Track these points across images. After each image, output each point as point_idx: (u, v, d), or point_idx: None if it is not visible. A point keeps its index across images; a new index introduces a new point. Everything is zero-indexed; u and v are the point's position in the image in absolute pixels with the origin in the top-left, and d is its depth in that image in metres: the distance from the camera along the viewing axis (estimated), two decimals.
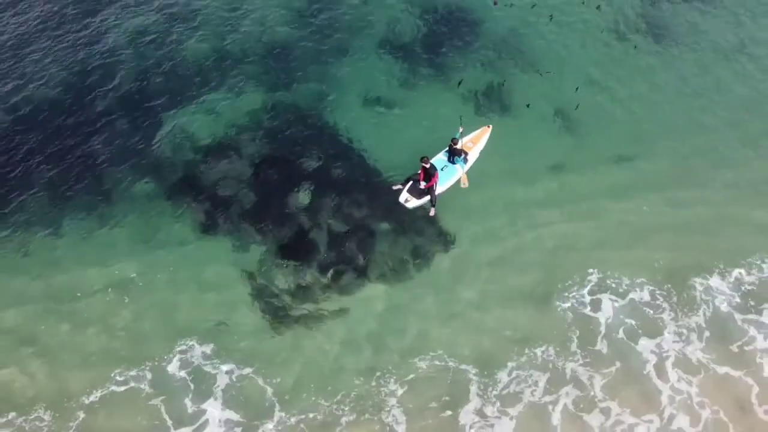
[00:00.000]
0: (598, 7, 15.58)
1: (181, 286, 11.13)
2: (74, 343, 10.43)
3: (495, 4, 15.92)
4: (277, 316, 10.89)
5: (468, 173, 12.31)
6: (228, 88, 14.82)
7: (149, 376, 9.64)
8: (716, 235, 11.39)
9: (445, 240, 11.82)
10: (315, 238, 12.09)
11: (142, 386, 9.55)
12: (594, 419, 9.00)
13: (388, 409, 9.33)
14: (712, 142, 13.08)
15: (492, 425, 8.97)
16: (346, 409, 9.34)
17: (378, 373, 9.80)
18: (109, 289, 10.91)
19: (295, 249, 12.00)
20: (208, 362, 9.88)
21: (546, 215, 11.87)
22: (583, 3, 15.72)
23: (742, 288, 10.59)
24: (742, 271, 10.79)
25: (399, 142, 13.49)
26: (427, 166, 11.47)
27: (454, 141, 12.07)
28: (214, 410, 9.29)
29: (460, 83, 14.19)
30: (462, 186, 12.25)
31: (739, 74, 14.35)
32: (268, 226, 12.27)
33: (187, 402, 9.37)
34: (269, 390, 9.58)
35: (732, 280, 10.63)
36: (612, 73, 14.35)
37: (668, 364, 9.58)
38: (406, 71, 14.95)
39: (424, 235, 11.95)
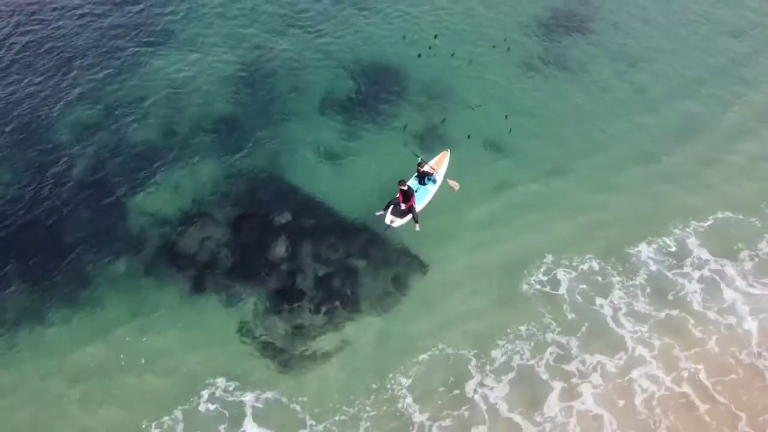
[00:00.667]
0: (508, 49, 21.62)
1: (188, 341, 14.13)
2: (99, 414, 13.07)
3: (429, 48, 21.48)
4: (286, 352, 14.09)
5: (436, 194, 16.69)
6: (185, 163, 18.58)
7: (181, 416, 12.46)
8: (636, 215, 16.41)
9: (420, 264, 15.70)
10: (301, 283, 15.57)
11: (178, 427, 12.32)
12: (573, 367, 12.97)
13: (403, 399, 12.74)
14: (618, 147, 18.54)
15: (492, 388, 12.74)
16: (368, 408, 12.59)
17: (389, 375, 13.23)
18: (122, 355, 13.71)
19: (285, 296, 15.33)
20: (233, 395, 12.82)
21: (498, 224, 16.36)
22: (495, 47, 21.74)
23: (665, 250, 15.46)
24: (664, 238, 15.76)
25: (357, 186, 17.68)
26: (405, 188, 15.62)
27: (421, 165, 16.48)
28: (252, 430, 12.22)
29: (405, 126, 18.98)
30: (454, 190, 16.42)
31: (618, 96, 20.29)
32: (254, 280, 15.60)
33: (224, 430, 12.26)
34: (297, 407, 12.65)
35: (657, 246, 15.49)
36: (530, 99, 19.86)
37: (622, 315, 13.98)
38: (351, 123, 19.55)
39: (399, 263, 15.82)
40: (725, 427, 12.38)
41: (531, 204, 16.88)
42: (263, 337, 14.46)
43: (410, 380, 13.20)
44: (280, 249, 16.32)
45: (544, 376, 12.92)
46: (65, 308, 15.12)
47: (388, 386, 13.17)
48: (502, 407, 12.56)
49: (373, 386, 13.16)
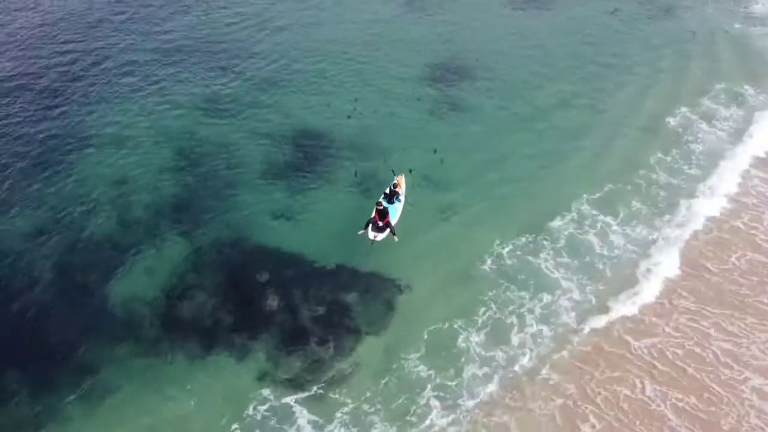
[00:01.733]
0: (418, 99, 26.17)
1: (207, 402, 15.60)
2: None
3: (354, 109, 25.31)
4: (308, 386, 15.90)
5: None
6: (150, 246, 19.83)
7: None
8: (543, 200, 21.05)
9: (397, 284, 18.45)
10: (301, 324, 17.50)
11: None
12: (524, 309, 17.44)
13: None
14: (517, 157, 23.05)
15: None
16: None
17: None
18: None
19: (290, 339, 17.10)
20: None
21: (452, 233, 20.01)
22: (407, 101, 25.86)
23: (577, 220, 20.31)
24: (569, 212, 20.64)
25: (319, 232, 20.10)
26: (381, 208, 18.58)
27: (395, 186, 19.94)
28: None
29: (355, 173, 22.07)
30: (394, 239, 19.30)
31: (504, 120, 25.30)
32: (257, 332, 17.19)
33: None
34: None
35: (569, 219, 20.29)
36: (444, 135, 24.06)
37: (552, 267, 18.43)
38: (296, 183, 21.92)
39: (379, 287, 18.35)
40: None
41: (473, 210, 20.87)
42: (284, 378, 16.14)
43: (418, 357, 16.31)
44: (272, 301, 18.15)
45: (509, 320, 17.25)
46: (79, 406, 15.60)
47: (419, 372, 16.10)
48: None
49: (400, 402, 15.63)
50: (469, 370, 16.05)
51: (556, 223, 20.25)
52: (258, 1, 34.60)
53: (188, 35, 31.23)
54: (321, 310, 18.07)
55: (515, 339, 16.86)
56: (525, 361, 16.37)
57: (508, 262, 19.01)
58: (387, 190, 20.35)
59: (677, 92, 26.59)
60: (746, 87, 26.67)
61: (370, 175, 22.42)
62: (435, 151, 22.95)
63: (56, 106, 26.06)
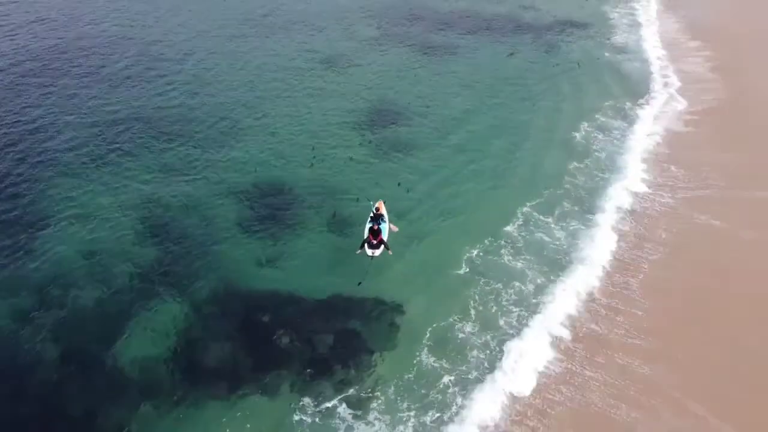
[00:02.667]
0: (369, 141, 29.21)
1: None
2: None
3: (314, 157, 27.99)
4: (343, 410, 17.41)
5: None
6: (146, 311, 20.42)
7: None
8: (496, 209, 24.79)
9: (395, 306, 20.61)
10: (319, 355, 19.04)
11: None
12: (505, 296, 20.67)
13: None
14: (465, 180, 26.80)
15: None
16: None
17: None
18: None
19: (314, 369, 18.53)
20: None
21: (426, 249, 22.93)
22: (351, 159, 28.47)
23: (524, 222, 24.17)
24: (517, 217, 24.50)
25: (308, 271, 21.96)
26: (375, 228, 21.18)
27: (377, 209, 22.41)
28: None
29: (334, 214, 24.44)
30: (393, 231, 22.35)
31: (437, 150, 29.32)
32: (279, 369, 18.50)
33: None
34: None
35: (518, 223, 24.11)
36: (401, 168, 27.34)
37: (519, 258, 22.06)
38: (272, 232, 23.72)
39: (380, 311, 20.44)
40: None
41: (441, 226, 24.11)
42: (318, 406, 17.54)
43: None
44: (282, 337, 19.63)
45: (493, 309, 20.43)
46: None
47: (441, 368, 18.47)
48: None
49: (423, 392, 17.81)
50: (473, 355, 18.83)
51: (509, 227, 23.92)
52: (189, 67, 36.67)
53: (128, 105, 32.38)
54: (331, 337, 19.81)
55: (502, 322, 19.99)
56: (513, 340, 19.36)
57: (479, 263, 22.24)
58: (371, 215, 22.86)
59: (577, 112, 32.11)
60: (627, 103, 32.82)
61: (345, 213, 24.88)
62: (399, 184, 26.01)
63: (5, 188, 26.06)
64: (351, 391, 17.99)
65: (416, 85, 35.48)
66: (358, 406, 17.54)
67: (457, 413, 17.29)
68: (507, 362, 18.41)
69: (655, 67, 36.99)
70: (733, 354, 18.81)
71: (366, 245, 21.60)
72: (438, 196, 25.84)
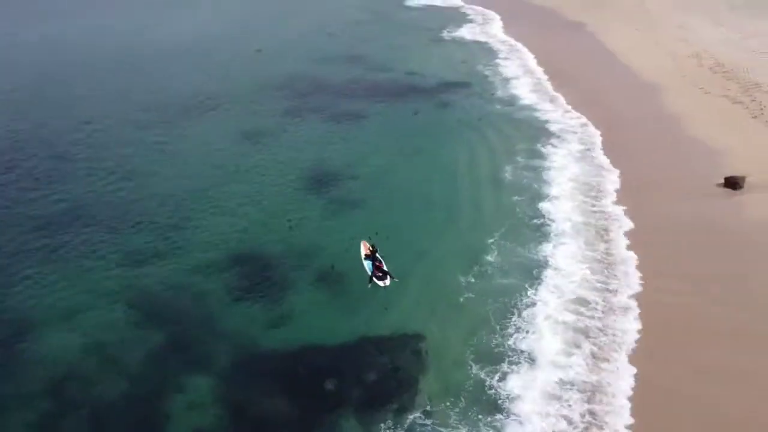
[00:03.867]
0: (291, 227, 30.50)
1: None
2: None
3: (289, 221, 29.32)
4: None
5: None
6: (171, 392, 20.71)
7: None
8: (470, 242, 28.54)
9: (416, 335, 22.81)
10: (367, 393, 20.59)
11: None
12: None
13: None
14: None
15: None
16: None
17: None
18: None
19: (364, 407, 19.98)
20: None
21: (427, 282, 25.51)
22: (290, 227, 30.37)
23: (497, 244, 28.32)
24: (492, 244, 28.63)
25: (317, 327, 23.41)
26: (379, 264, 24.17)
27: (371, 249, 25.10)
28: None
29: (333, 266, 26.37)
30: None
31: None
32: (333, 414, 19.74)
33: None
34: None
35: (494, 247, 28.23)
36: (374, 220, 29.44)
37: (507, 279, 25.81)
38: (275, 297, 25.13)
39: (403, 342, 22.60)
40: None
41: (434, 259, 27.34)
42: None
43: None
44: (329, 386, 21.01)
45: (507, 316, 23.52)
46: None
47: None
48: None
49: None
50: (501, 356, 22.04)
51: (487, 255, 27.66)
52: (114, 157, 36.84)
53: (77, 201, 32.36)
54: (371, 374, 21.62)
55: (512, 328, 23.27)
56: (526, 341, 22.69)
57: (478, 283, 25.73)
58: (365, 254, 25.75)
59: (497, 156, 37.70)
60: (538, 144, 39.25)
61: (336, 263, 27.09)
62: (377, 233, 28.40)
63: None
64: (416, 413, 19.99)
65: (344, 148, 39.07)
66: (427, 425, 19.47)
67: (509, 408, 20.00)
68: (540, 357, 21.73)
69: (541, 112, 44.50)
70: None
71: (375, 279, 24.41)
72: (411, 238, 28.99)
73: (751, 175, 32.18)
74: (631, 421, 19.33)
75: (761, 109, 39.90)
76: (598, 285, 25.58)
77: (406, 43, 63.97)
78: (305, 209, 31.91)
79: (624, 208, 31.35)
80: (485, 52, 60.05)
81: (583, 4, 73.26)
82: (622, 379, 20.70)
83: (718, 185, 32.35)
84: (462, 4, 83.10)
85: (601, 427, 19.14)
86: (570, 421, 19.35)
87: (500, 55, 58.16)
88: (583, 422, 19.33)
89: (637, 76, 49.72)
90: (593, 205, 31.91)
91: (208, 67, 56.73)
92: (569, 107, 45.07)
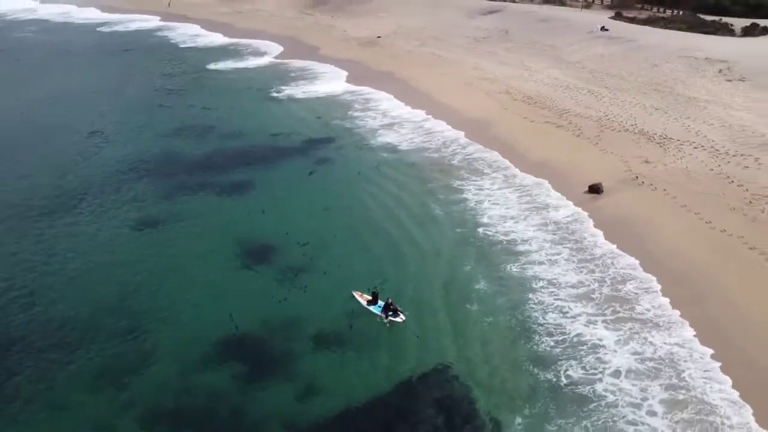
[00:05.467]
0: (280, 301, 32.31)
1: None
2: None
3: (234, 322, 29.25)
4: None
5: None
6: None
7: None
8: (436, 276, 32.57)
9: (443, 364, 25.72)
10: None
11: None
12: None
13: None
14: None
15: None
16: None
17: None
18: None
19: None
20: None
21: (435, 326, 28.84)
22: (280, 302, 31.70)
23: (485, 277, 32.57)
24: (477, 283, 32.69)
25: (346, 394, 24.71)
26: (388, 303, 27.27)
27: (371, 296, 27.85)
28: None
29: (351, 326, 27.98)
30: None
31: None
32: None
33: None
34: None
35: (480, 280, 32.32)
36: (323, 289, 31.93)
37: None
38: (293, 377, 25.91)
39: (437, 374, 25.18)
40: None
41: (419, 299, 29.91)
42: None
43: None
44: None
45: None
46: None
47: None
48: None
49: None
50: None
51: (473, 284, 31.70)
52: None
53: None
54: (426, 411, 23.95)
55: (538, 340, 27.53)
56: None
57: (482, 307, 29.60)
58: (367, 300, 29.21)
59: (417, 197, 42.14)
60: (446, 178, 44.67)
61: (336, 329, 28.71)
62: (376, 287, 30.64)
63: None
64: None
65: (258, 219, 39.65)
66: None
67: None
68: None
69: (425, 148, 50.46)
70: None
71: (389, 317, 27.92)
72: (395, 285, 31.74)
73: (604, 181, 41.80)
74: None
75: (580, 130, 51.23)
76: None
77: (245, 106, 65.24)
78: (261, 283, 32.39)
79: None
80: (328, 103, 64.28)
81: (382, 57, 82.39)
82: None
83: (585, 192, 41.27)
84: (268, 61, 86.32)
85: None
86: None
87: (350, 105, 63.01)
88: None
89: (462, 113, 58.64)
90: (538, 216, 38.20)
91: (47, 156, 50.67)
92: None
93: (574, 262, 33.04)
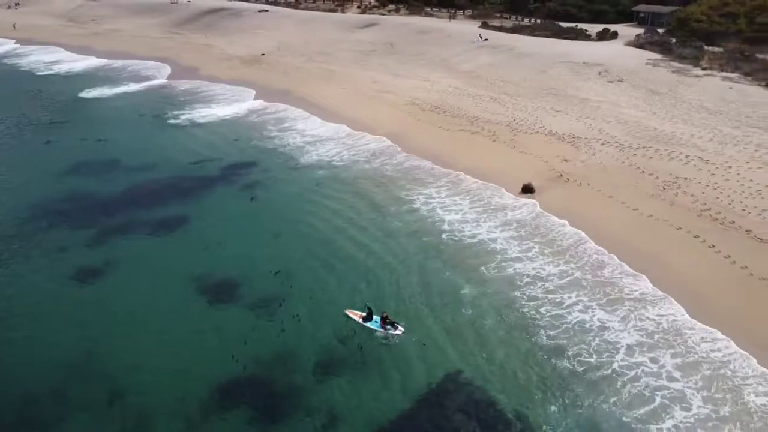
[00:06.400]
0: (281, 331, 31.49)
1: None
2: None
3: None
4: None
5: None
6: None
7: None
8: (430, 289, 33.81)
9: (449, 378, 26.84)
10: None
11: None
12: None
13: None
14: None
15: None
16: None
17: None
18: None
19: None
20: None
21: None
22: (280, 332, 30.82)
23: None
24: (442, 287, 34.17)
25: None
26: (384, 317, 28.12)
27: (368, 310, 28.96)
28: None
29: (360, 347, 28.01)
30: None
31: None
32: None
33: None
34: None
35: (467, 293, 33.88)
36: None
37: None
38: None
39: (453, 393, 26.36)
40: None
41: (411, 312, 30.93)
42: None
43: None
44: None
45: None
46: None
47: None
48: None
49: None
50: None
51: (462, 289, 33.10)
52: None
53: None
54: (465, 422, 25.01)
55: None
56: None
57: (477, 310, 30.98)
58: (362, 317, 29.99)
59: (370, 211, 42.77)
60: (393, 189, 45.64)
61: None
62: (366, 305, 31.05)
63: None
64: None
65: (212, 253, 38.09)
66: None
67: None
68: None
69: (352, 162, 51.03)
70: None
71: (390, 330, 29.09)
72: (384, 305, 32.06)
73: (533, 181, 45.77)
74: None
75: (494, 135, 55.31)
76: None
77: (145, 135, 61.60)
78: (240, 320, 31.31)
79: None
80: (237, 125, 62.64)
81: (274, 74, 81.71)
82: None
83: (520, 193, 44.92)
84: (150, 85, 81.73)
85: None
86: None
87: (263, 126, 61.90)
88: None
89: (377, 126, 60.50)
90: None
91: None
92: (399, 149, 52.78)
93: (548, 254, 35.85)
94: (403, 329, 29.66)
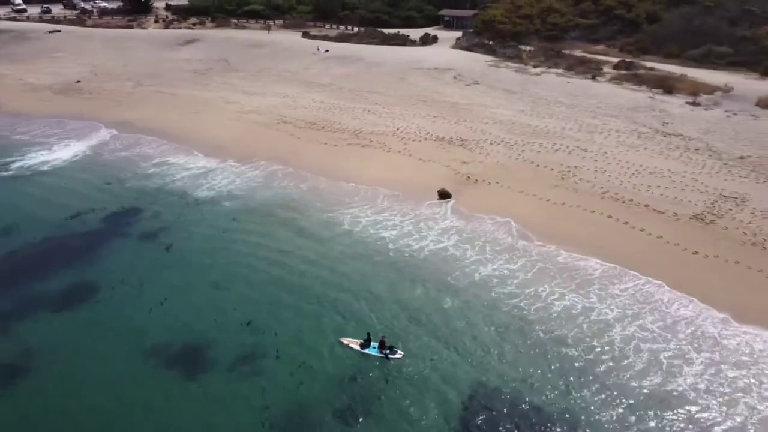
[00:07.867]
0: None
1: None
2: None
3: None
4: None
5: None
6: None
7: None
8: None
9: (464, 396, 28.02)
10: None
11: None
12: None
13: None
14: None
15: None
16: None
17: None
18: None
19: None
20: None
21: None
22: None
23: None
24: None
25: None
26: (383, 341, 28.79)
27: (367, 338, 29.28)
28: None
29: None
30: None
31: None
32: None
33: None
34: None
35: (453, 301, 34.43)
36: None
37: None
38: None
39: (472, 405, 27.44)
40: None
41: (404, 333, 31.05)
42: None
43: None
44: None
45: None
46: None
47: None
48: None
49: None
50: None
51: (443, 302, 33.58)
52: None
53: None
54: None
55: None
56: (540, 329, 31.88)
57: (467, 321, 32.11)
58: (359, 344, 30.13)
59: (301, 236, 40.97)
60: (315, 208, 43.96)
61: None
62: (368, 334, 30.43)
63: None
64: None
65: (157, 314, 33.99)
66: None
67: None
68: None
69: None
70: None
71: (389, 355, 29.48)
72: (378, 330, 31.85)
73: (445, 186, 48.38)
74: None
75: (385, 145, 56.81)
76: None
77: None
78: (221, 387, 28.70)
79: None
80: (97, 167, 55.24)
81: (105, 103, 73.78)
82: None
83: (437, 199, 47.15)
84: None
85: None
86: None
87: (132, 163, 55.36)
88: None
89: (258, 150, 57.79)
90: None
91: None
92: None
93: (501, 252, 38.23)
94: (402, 353, 29.63)
